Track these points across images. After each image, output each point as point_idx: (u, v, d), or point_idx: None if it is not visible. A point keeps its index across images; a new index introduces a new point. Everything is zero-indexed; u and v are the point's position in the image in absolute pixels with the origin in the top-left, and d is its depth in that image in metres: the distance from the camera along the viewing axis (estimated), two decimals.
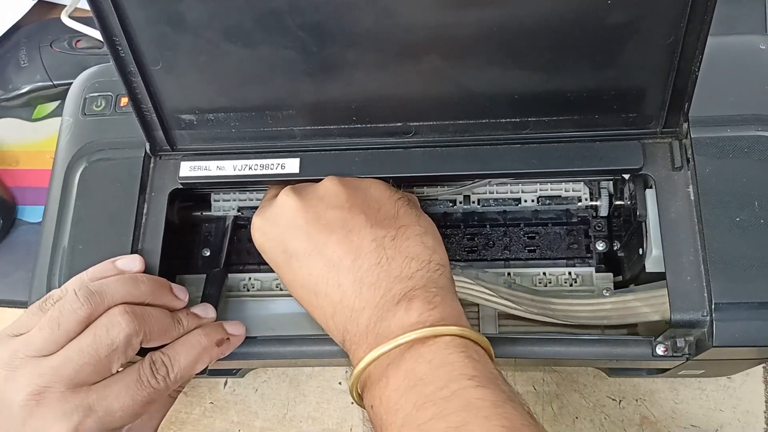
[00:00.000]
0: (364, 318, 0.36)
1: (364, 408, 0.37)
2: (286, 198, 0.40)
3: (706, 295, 0.37)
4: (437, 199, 0.47)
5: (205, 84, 0.40)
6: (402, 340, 0.34)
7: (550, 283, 0.46)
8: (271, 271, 0.47)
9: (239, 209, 0.48)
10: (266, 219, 0.41)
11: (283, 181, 0.43)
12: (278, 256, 0.40)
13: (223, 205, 0.48)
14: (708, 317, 0.37)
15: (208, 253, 0.50)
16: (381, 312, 0.36)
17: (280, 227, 0.40)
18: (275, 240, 0.40)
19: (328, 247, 0.38)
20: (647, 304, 0.40)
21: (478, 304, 0.44)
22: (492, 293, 0.43)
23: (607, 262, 0.47)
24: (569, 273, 0.46)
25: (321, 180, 0.41)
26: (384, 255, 0.37)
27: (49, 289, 0.42)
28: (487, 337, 0.36)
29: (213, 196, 0.48)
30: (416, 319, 0.35)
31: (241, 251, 0.50)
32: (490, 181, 0.45)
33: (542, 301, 0.42)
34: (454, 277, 0.41)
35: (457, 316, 0.36)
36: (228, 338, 0.42)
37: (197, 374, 0.42)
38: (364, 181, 0.41)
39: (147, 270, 0.42)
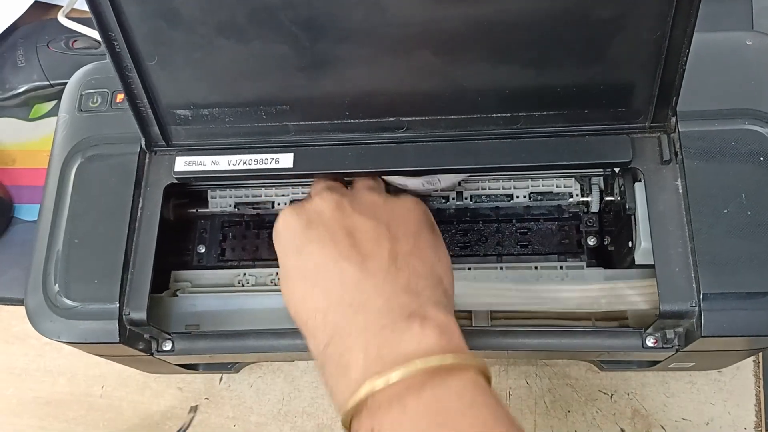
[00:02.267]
0: (362, 318, 0.35)
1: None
2: (329, 196, 0.40)
3: (694, 285, 0.38)
4: (431, 195, 0.48)
5: (200, 79, 0.40)
6: (430, 364, 0.32)
7: (541, 277, 0.46)
8: (266, 266, 0.48)
9: (236, 205, 0.49)
10: (299, 211, 0.40)
11: (277, 176, 0.43)
12: (292, 241, 0.40)
13: (220, 202, 0.49)
14: (696, 308, 0.37)
15: (203, 250, 0.51)
16: (386, 320, 0.35)
17: (307, 218, 0.40)
18: (297, 228, 0.40)
19: (343, 244, 0.38)
20: (637, 292, 0.40)
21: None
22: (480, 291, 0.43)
23: (598, 257, 0.48)
24: (560, 267, 0.47)
25: (315, 174, 0.43)
26: (394, 265, 0.37)
27: (45, 286, 0.42)
28: (479, 331, 0.36)
29: (210, 193, 0.49)
30: (434, 344, 0.33)
31: (235, 247, 0.50)
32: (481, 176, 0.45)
33: (530, 290, 0.42)
34: None
35: (464, 342, 0.36)
36: None
37: (191, 370, 0.41)
38: (403, 199, 0.41)
39: (140, 264, 0.42)
